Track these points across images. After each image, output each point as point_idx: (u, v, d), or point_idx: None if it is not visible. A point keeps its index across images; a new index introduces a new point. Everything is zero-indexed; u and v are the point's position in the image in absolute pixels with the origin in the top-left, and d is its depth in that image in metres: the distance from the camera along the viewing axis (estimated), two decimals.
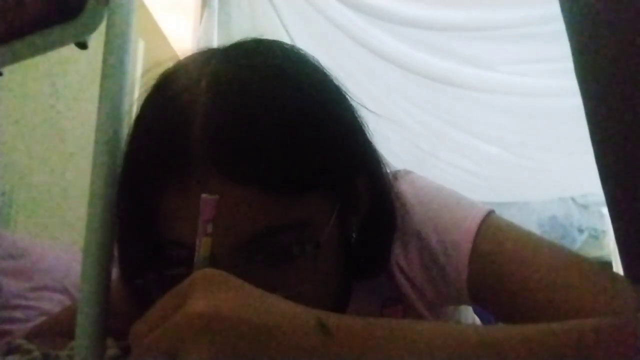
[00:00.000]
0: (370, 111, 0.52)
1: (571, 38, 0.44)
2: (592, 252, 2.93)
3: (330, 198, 0.45)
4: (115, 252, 0.48)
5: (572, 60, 0.44)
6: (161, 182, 0.42)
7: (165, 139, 0.43)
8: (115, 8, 0.56)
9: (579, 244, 3.27)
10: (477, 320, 0.69)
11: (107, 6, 0.56)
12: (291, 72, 0.45)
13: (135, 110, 0.52)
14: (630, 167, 0.39)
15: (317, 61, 0.49)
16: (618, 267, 0.45)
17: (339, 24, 1.94)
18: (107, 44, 0.55)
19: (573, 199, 3.32)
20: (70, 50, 0.62)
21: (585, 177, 1.76)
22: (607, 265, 0.47)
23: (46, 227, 1.32)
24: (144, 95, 0.48)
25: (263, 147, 0.40)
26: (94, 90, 0.55)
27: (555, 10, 0.46)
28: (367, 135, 0.50)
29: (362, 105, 0.51)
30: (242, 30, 1.92)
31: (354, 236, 0.50)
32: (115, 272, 0.52)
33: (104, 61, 0.55)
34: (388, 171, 0.52)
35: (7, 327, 0.95)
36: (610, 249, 3.04)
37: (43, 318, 0.97)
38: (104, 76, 0.54)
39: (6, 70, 0.65)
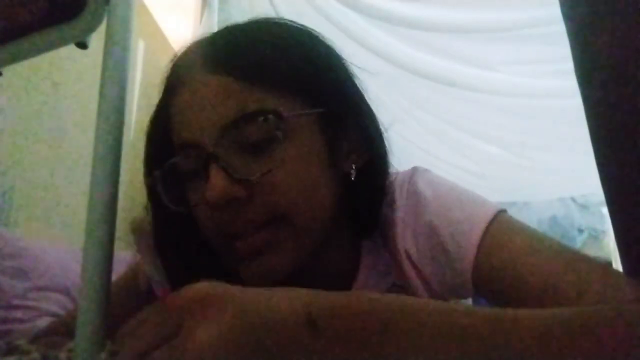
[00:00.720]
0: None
1: (571, 39, 0.44)
2: (592, 252, 2.92)
3: (308, 106, 0.50)
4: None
5: (572, 61, 0.44)
6: (169, 97, 0.51)
7: (176, 63, 0.53)
8: (115, 8, 0.56)
9: (579, 244, 3.27)
10: None
11: (107, 6, 0.56)
12: (287, 22, 0.56)
13: (135, 109, 0.56)
14: (630, 167, 0.39)
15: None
16: (618, 267, 0.45)
17: (339, 24, 1.94)
18: (107, 44, 0.55)
19: (573, 199, 3.32)
20: (70, 50, 0.62)
21: (585, 177, 1.76)
22: (608, 265, 0.47)
23: (46, 227, 1.32)
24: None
25: (238, 46, 0.50)
26: (94, 90, 0.55)
27: (556, 12, 0.46)
28: (358, 88, 0.56)
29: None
30: None
31: (352, 178, 0.53)
32: (115, 273, 0.52)
33: (104, 61, 0.55)
34: (380, 126, 0.57)
35: (7, 327, 0.95)
36: (610, 249, 3.04)
37: (43, 318, 0.97)
38: (104, 76, 0.54)
39: (6, 70, 0.65)
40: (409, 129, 2.29)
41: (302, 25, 0.56)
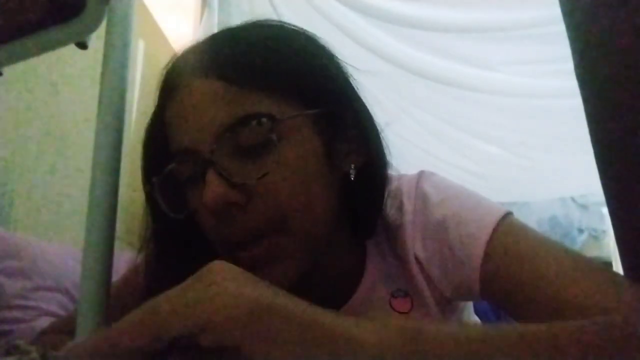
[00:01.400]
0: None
1: (572, 40, 0.44)
2: (592, 252, 2.94)
3: (306, 109, 0.49)
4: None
5: (572, 61, 0.44)
6: (165, 102, 0.51)
7: (171, 68, 0.53)
8: (115, 8, 0.56)
9: (579, 244, 3.28)
10: (477, 319, 0.70)
11: (107, 6, 0.56)
12: (281, 24, 0.55)
13: (135, 109, 0.56)
14: (630, 167, 0.39)
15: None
16: (618, 267, 0.46)
17: (339, 24, 1.94)
18: (107, 44, 0.55)
19: (573, 199, 3.32)
20: (70, 50, 0.62)
21: (585, 177, 1.76)
22: (608, 265, 0.48)
23: (46, 227, 1.32)
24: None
25: (233, 51, 0.49)
26: (94, 90, 0.55)
27: (556, 12, 0.46)
28: (352, 85, 0.55)
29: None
30: None
31: (352, 178, 0.52)
32: (115, 273, 0.52)
33: (104, 61, 0.55)
34: (378, 126, 0.56)
35: (7, 327, 0.95)
36: (610, 249, 3.04)
37: (43, 318, 0.97)
38: (104, 76, 0.54)
39: (6, 70, 0.65)
40: (409, 129, 2.29)
41: (297, 26, 0.55)
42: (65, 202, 1.38)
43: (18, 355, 0.56)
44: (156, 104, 0.53)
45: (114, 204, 0.52)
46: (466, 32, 1.92)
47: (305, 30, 0.55)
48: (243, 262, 0.47)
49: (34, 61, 1.10)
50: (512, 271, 0.47)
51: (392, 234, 0.56)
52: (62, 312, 1.02)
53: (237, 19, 0.55)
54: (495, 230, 0.49)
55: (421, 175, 0.58)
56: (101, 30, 0.56)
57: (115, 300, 0.52)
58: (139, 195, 0.53)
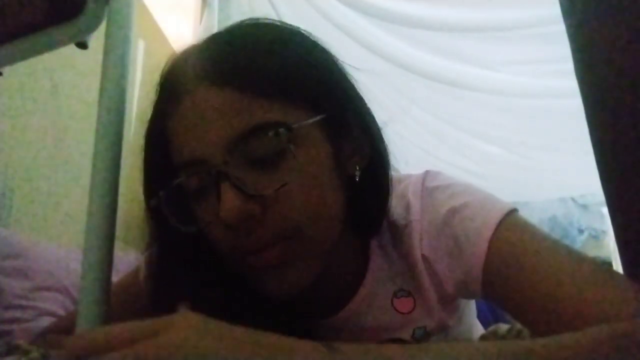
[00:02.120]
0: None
1: (571, 40, 0.44)
2: (592, 252, 2.93)
3: (314, 114, 0.48)
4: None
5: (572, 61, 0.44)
6: (168, 109, 0.49)
7: (170, 73, 0.51)
8: (115, 8, 0.56)
9: (579, 244, 3.27)
10: (476, 321, 0.70)
11: (107, 6, 0.56)
12: (278, 24, 0.54)
13: (135, 109, 0.54)
14: (630, 167, 0.39)
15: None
16: (618, 267, 0.46)
17: (340, 24, 1.94)
18: (107, 44, 0.55)
19: (573, 199, 3.32)
20: (70, 50, 0.62)
21: (585, 177, 1.75)
22: (607, 265, 0.48)
23: (46, 227, 1.32)
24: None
25: (239, 56, 0.47)
26: (94, 90, 0.55)
27: (557, 11, 0.46)
28: (354, 87, 0.55)
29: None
30: None
31: (357, 179, 0.52)
32: (115, 273, 0.52)
33: (104, 61, 0.55)
34: (380, 127, 0.56)
35: (7, 327, 0.95)
36: (610, 249, 3.05)
37: (43, 318, 0.97)
38: (104, 76, 0.54)
39: (6, 70, 0.65)
40: (409, 128, 2.29)
41: (293, 26, 0.55)
42: (65, 202, 1.38)
43: (18, 355, 0.56)
44: (156, 110, 0.51)
45: (114, 203, 0.52)
46: (467, 31, 1.92)
47: (303, 30, 0.55)
48: (256, 267, 0.47)
49: (34, 61, 1.10)
50: (514, 267, 0.47)
51: (398, 233, 0.56)
52: (62, 312, 1.02)
53: (237, 19, 0.54)
54: (499, 225, 0.49)
55: (427, 173, 0.58)
56: (101, 30, 0.56)
57: (116, 301, 0.52)
58: (139, 195, 0.53)
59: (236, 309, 0.48)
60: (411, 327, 0.57)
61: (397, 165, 0.58)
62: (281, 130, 0.45)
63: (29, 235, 1.21)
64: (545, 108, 2.15)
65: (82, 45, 0.58)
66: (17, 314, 0.97)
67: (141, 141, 0.53)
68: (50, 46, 0.60)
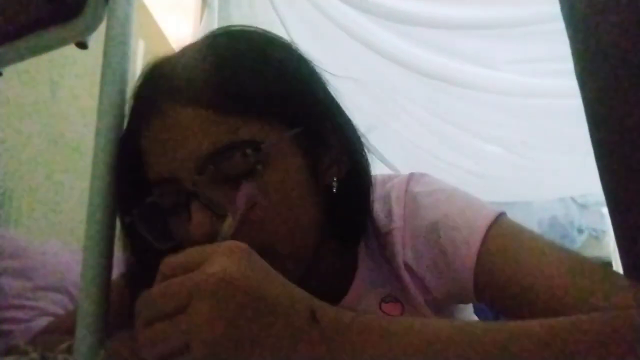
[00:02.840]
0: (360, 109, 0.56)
1: (571, 39, 0.44)
2: (592, 252, 2.93)
3: (285, 128, 0.48)
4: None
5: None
6: (138, 127, 0.49)
7: (139, 93, 0.51)
8: (115, 8, 0.56)
9: (579, 244, 3.27)
10: (475, 318, 0.70)
11: (107, 6, 0.56)
12: (240, 33, 0.52)
13: None
14: (630, 167, 0.39)
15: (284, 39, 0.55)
16: (618, 267, 0.45)
17: (340, 23, 1.94)
18: (107, 44, 0.55)
19: (573, 199, 3.32)
20: (70, 50, 0.62)
21: (585, 177, 1.75)
22: (607, 265, 0.47)
23: (46, 227, 1.32)
24: None
25: (208, 74, 0.47)
26: (94, 90, 0.55)
27: (558, 8, 0.46)
28: (330, 94, 0.54)
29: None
30: None
31: (335, 190, 0.52)
32: (115, 272, 0.52)
33: (104, 61, 0.55)
34: (359, 134, 0.56)
35: (7, 327, 0.95)
36: (610, 249, 3.04)
37: (43, 318, 0.97)
38: (104, 76, 0.54)
39: (6, 70, 0.65)
40: (409, 128, 2.28)
41: (271, 36, 0.53)
42: (65, 202, 1.38)
43: (18, 355, 0.56)
44: (129, 127, 0.51)
45: (113, 203, 0.52)
46: (469, 29, 1.91)
47: (279, 38, 0.53)
48: None
49: (34, 61, 1.10)
50: (506, 275, 0.46)
51: (382, 240, 0.55)
52: (62, 312, 1.02)
53: (237, 19, 0.55)
54: (487, 234, 0.48)
55: (411, 177, 0.57)
56: (101, 30, 0.56)
57: (115, 299, 0.52)
58: None
59: None
60: None
61: (397, 165, 0.58)
62: (248, 150, 0.44)
63: (29, 235, 1.21)
64: (546, 107, 2.14)
65: (82, 45, 0.58)
66: (17, 314, 0.97)
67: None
68: (50, 46, 0.60)
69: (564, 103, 1.78)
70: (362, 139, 0.55)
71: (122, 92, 0.55)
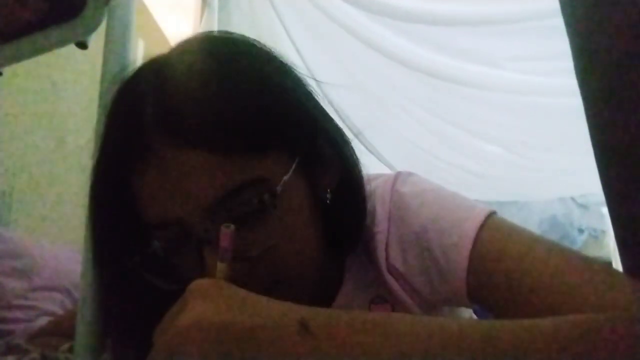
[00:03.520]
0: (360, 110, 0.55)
1: (572, 41, 0.44)
2: (592, 252, 2.93)
3: (288, 156, 0.46)
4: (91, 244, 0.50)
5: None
6: (128, 166, 0.45)
7: (125, 128, 0.45)
8: (115, 8, 0.56)
9: (579, 244, 3.27)
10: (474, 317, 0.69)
11: (107, 6, 0.56)
12: (229, 49, 0.49)
13: None
14: (630, 168, 0.39)
15: (260, 42, 0.52)
16: (618, 267, 0.45)
17: (340, 22, 1.93)
18: (107, 44, 0.55)
19: (573, 199, 3.32)
20: (70, 50, 0.62)
21: (585, 177, 1.75)
22: (607, 265, 0.47)
23: (46, 227, 1.32)
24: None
25: (206, 112, 0.43)
26: (94, 90, 0.55)
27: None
28: (316, 100, 0.52)
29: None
30: (242, 30, 1.91)
31: (328, 202, 0.51)
32: None
33: (104, 61, 0.55)
34: (349, 140, 0.54)
35: (7, 327, 0.95)
36: (610, 249, 3.04)
37: (43, 318, 0.97)
38: (104, 76, 0.55)
39: (6, 70, 0.65)
40: (409, 127, 2.28)
41: (263, 52, 0.50)
42: (65, 202, 1.38)
43: (18, 355, 0.56)
44: (111, 156, 0.46)
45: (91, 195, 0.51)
46: (470, 26, 1.90)
47: (263, 49, 0.50)
48: None
49: (34, 61, 1.10)
50: (499, 277, 0.45)
51: (367, 243, 0.54)
52: (62, 312, 1.02)
53: (237, 19, 0.54)
54: (477, 236, 0.47)
55: (397, 177, 0.55)
56: (101, 30, 0.56)
57: None
58: None
59: None
60: None
61: (396, 164, 0.57)
62: (260, 187, 0.43)
63: (29, 235, 1.21)
64: (546, 106, 2.14)
65: (82, 45, 0.58)
66: (17, 314, 0.97)
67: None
68: (50, 46, 0.60)
69: (564, 102, 1.78)
70: (352, 144, 0.54)
71: None
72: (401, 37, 1.97)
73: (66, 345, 0.67)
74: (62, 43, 0.59)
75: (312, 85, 0.52)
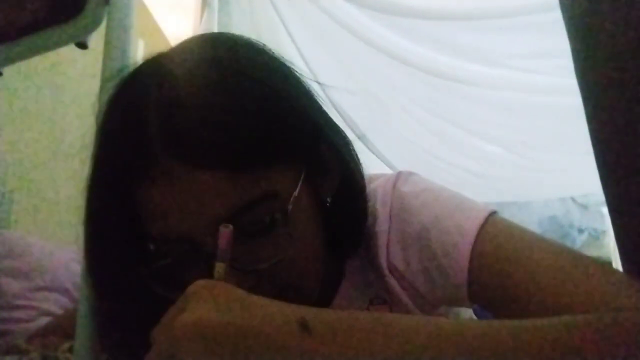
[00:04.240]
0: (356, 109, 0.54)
1: (572, 40, 0.44)
2: (592, 252, 2.93)
3: (295, 168, 0.46)
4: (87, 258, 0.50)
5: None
6: (132, 181, 0.44)
7: (126, 139, 0.44)
8: (115, 8, 0.56)
9: (579, 244, 3.27)
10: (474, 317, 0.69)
11: (107, 6, 0.56)
12: (233, 58, 0.47)
13: None
14: (630, 167, 0.39)
15: (265, 45, 0.51)
16: (618, 267, 0.45)
17: (340, 21, 1.93)
18: (107, 44, 0.55)
19: (573, 199, 3.32)
20: (70, 50, 0.62)
21: (585, 177, 1.75)
22: (607, 264, 0.46)
23: (46, 227, 1.32)
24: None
25: (215, 131, 0.42)
26: (94, 90, 0.55)
27: None
28: (320, 106, 0.51)
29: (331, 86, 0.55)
30: (242, 30, 1.92)
31: (329, 205, 0.50)
32: None
33: (104, 61, 0.55)
34: (349, 141, 0.54)
35: (7, 327, 0.95)
36: (610, 249, 3.04)
37: (43, 318, 0.97)
38: (104, 76, 0.55)
39: (6, 70, 0.65)
40: (409, 127, 2.28)
41: (258, 53, 0.49)
42: (65, 202, 1.38)
43: (18, 354, 0.56)
44: (114, 172, 0.45)
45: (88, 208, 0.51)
46: (471, 21, 1.89)
47: (268, 55, 0.49)
48: None
49: (34, 61, 1.10)
50: (500, 278, 0.45)
51: (366, 242, 0.54)
52: (62, 312, 1.02)
53: (237, 19, 0.54)
54: (478, 236, 0.47)
55: (398, 177, 0.55)
56: (101, 30, 0.56)
57: None
58: None
59: None
60: None
61: (397, 164, 0.57)
62: (272, 202, 0.43)
63: (29, 235, 1.21)
64: (547, 106, 2.14)
65: (82, 45, 0.58)
66: (17, 314, 0.97)
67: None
68: (50, 46, 0.60)
69: (565, 102, 1.78)
70: (353, 144, 0.54)
71: None
72: (402, 36, 1.97)
73: (66, 345, 0.67)
74: (62, 43, 0.59)
75: (315, 88, 0.52)
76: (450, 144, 2.43)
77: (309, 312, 0.37)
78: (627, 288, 0.40)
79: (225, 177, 0.42)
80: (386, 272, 0.52)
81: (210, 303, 0.36)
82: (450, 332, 0.36)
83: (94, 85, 0.55)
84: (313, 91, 0.51)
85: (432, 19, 1.89)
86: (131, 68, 0.50)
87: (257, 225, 0.43)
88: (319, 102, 0.51)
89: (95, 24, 0.56)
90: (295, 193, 0.44)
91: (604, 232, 3.26)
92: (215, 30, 1.98)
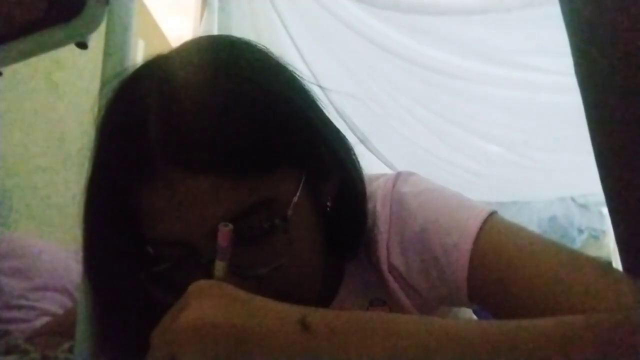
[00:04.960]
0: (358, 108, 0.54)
1: (571, 40, 0.44)
2: (592, 252, 2.92)
3: (294, 173, 0.46)
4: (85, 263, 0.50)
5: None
6: (132, 186, 0.44)
7: (126, 144, 0.44)
8: (115, 8, 0.56)
9: (579, 244, 3.27)
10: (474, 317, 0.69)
11: (107, 6, 0.56)
12: (234, 62, 0.46)
13: None
14: (630, 168, 0.39)
15: (266, 48, 0.50)
16: (618, 267, 0.45)
17: (340, 19, 1.93)
18: (107, 44, 0.55)
19: (573, 199, 3.32)
20: (70, 50, 0.62)
21: (585, 177, 1.74)
22: (608, 264, 0.46)
23: (46, 227, 1.32)
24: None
25: (215, 137, 0.42)
26: (94, 90, 0.55)
27: None
28: (321, 110, 0.51)
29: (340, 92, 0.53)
30: (242, 30, 1.92)
31: (329, 210, 0.50)
32: None
33: (104, 61, 0.55)
34: (350, 144, 0.54)
35: (7, 327, 0.95)
36: (610, 249, 3.04)
37: (43, 318, 0.97)
38: (104, 76, 0.55)
39: (6, 70, 0.65)
40: (409, 127, 2.28)
41: (259, 58, 0.49)
42: (65, 202, 1.38)
43: (18, 354, 0.56)
44: (114, 176, 0.45)
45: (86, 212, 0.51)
46: (471, 15, 1.88)
47: (269, 58, 0.49)
48: None
49: (34, 61, 1.10)
50: (500, 277, 0.45)
51: (367, 244, 0.54)
52: (62, 312, 1.02)
53: (237, 20, 0.53)
54: (478, 236, 0.47)
55: (398, 177, 0.55)
56: (101, 30, 0.56)
57: None
58: None
59: None
60: None
61: (397, 164, 0.57)
62: (268, 207, 0.43)
63: (29, 235, 1.21)
64: (547, 106, 2.14)
65: (82, 45, 0.58)
66: (17, 314, 0.97)
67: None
68: (50, 46, 0.60)
69: (566, 101, 1.78)
70: (354, 149, 0.54)
71: None
72: (403, 33, 1.97)
73: (66, 345, 0.67)
74: (62, 43, 0.59)
75: (315, 91, 0.51)
76: (451, 144, 2.43)
77: (309, 312, 0.37)
78: (627, 288, 0.40)
79: (224, 183, 0.42)
80: (386, 272, 0.52)
81: (211, 302, 0.36)
82: (449, 332, 0.36)
83: (94, 85, 0.55)
84: (314, 95, 0.51)
85: (433, 14, 1.88)
86: (130, 69, 0.49)
87: (257, 231, 0.43)
88: (320, 106, 0.51)
89: (95, 24, 0.56)
90: (295, 199, 0.44)
91: (604, 232, 3.26)
92: (215, 30, 1.98)
